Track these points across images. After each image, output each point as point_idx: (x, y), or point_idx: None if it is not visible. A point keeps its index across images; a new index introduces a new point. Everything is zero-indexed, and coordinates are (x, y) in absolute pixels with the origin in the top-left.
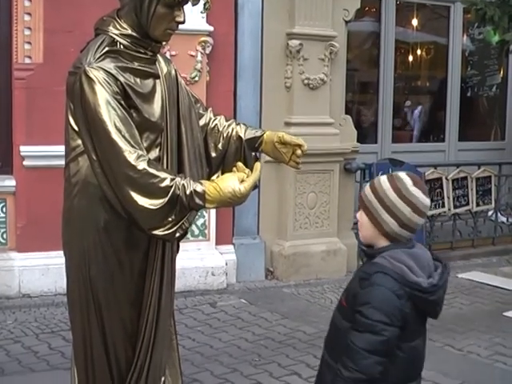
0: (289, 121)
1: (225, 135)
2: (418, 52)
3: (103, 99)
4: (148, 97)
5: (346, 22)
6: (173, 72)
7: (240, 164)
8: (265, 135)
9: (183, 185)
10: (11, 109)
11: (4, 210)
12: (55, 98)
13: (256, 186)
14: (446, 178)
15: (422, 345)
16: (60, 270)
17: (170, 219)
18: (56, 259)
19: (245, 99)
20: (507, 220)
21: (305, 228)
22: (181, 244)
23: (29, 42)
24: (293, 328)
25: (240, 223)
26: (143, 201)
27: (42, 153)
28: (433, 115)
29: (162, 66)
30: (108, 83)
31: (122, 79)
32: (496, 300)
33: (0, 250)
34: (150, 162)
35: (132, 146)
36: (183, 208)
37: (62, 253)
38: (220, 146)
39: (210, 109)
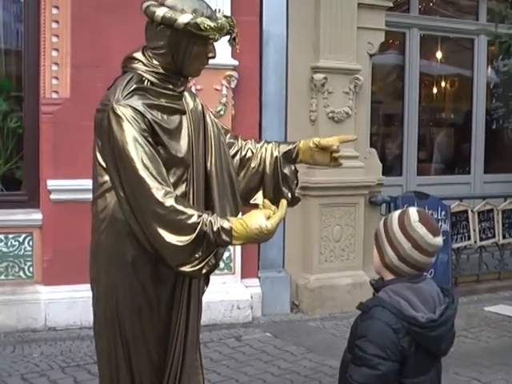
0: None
1: (259, 157)
2: (443, 84)
3: (131, 136)
4: (175, 133)
5: (371, 56)
6: (199, 107)
7: (266, 201)
8: (300, 145)
9: (210, 221)
10: (38, 143)
11: (30, 243)
12: (82, 132)
13: None
14: (472, 211)
15: (429, 382)
16: (86, 304)
17: (197, 255)
18: (82, 292)
19: (270, 132)
20: None
21: (330, 261)
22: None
23: (56, 78)
24: (318, 362)
25: (265, 256)
26: (170, 237)
27: (68, 187)
28: (458, 147)
29: (188, 101)
30: (136, 120)
31: (149, 116)
32: None
33: (27, 283)
34: (177, 199)
35: (159, 183)
36: (210, 244)
37: (87, 286)
38: (256, 168)
39: (240, 136)
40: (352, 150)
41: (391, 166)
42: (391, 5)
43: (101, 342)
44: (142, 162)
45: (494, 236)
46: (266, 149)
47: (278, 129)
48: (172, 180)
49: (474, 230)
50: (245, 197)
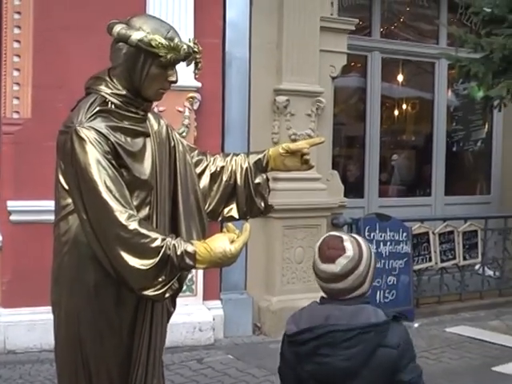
0: (276, 176)
1: (230, 169)
2: (404, 107)
3: (94, 159)
4: (138, 155)
5: (333, 78)
6: (164, 128)
7: (230, 224)
8: (269, 152)
9: (174, 245)
10: None
11: None
12: (43, 153)
13: None
14: (433, 233)
15: None
16: (46, 326)
17: (160, 279)
18: (42, 315)
19: None
20: (494, 274)
21: (292, 283)
22: None
23: (17, 97)
24: None
25: (227, 278)
26: (134, 261)
27: (29, 208)
28: (419, 169)
29: (153, 124)
30: (99, 143)
31: (112, 139)
32: (485, 355)
33: None
34: (140, 222)
35: (123, 206)
36: (174, 268)
37: (47, 308)
38: (228, 181)
39: (208, 151)
40: (314, 172)
41: (353, 187)
42: (353, 28)
43: (62, 365)
44: (105, 184)
45: (454, 258)
46: (235, 161)
47: (240, 150)
48: (135, 203)
49: (435, 252)
50: (219, 211)
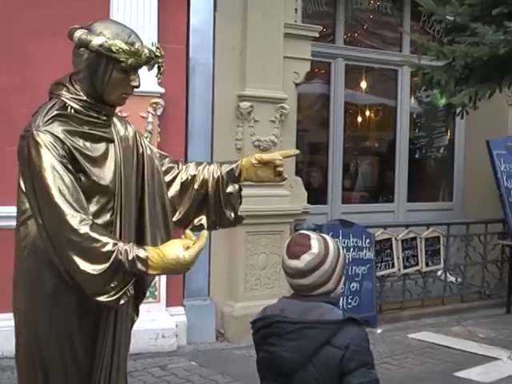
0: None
1: (201, 178)
2: (367, 114)
3: (48, 163)
4: (99, 160)
5: (297, 85)
6: (131, 134)
7: (188, 231)
8: (242, 162)
9: (126, 250)
10: None
11: None
12: (6, 158)
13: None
14: (396, 239)
15: None
16: (7, 333)
17: (112, 285)
18: (3, 322)
19: (196, 160)
20: (456, 280)
21: (256, 289)
22: None
23: None
24: None
25: (190, 284)
26: (85, 265)
27: None
28: (382, 176)
29: (119, 129)
30: (54, 147)
31: (69, 143)
32: (447, 360)
33: None
34: (93, 227)
35: (75, 210)
36: (126, 274)
37: (8, 315)
38: (198, 189)
39: (181, 160)
40: None
41: (316, 194)
42: (317, 35)
43: (22, 372)
44: (59, 188)
45: (417, 264)
46: (208, 170)
47: (203, 156)
48: (95, 208)
49: (398, 258)
50: (188, 219)
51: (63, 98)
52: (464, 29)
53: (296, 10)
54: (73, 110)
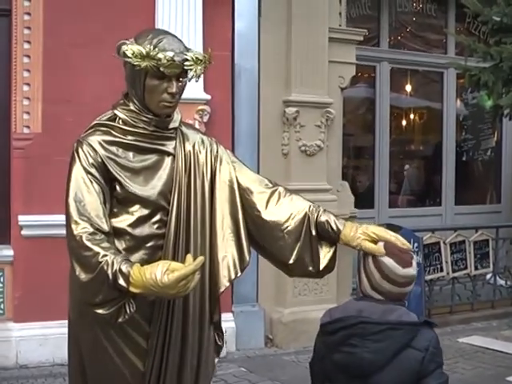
0: (287, 188)
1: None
2: (412, 117)
3: (75, 169)
4: (141, 171)
5: (342, 89)
6: (204, 152)
7: (189, 256)
8: (341, 238)
9: (112, 262)
10: (9, 178)
11: (1, 279)
12: (53, 167)
13: None
14: (444, 243)
15: None
16: (57, 341)
17: (100, 296)
18: (53, 329)
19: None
20: (506, 283)
21: (304, 295)
22: None
23: (27, 112)
24: None
25: (239, 291)
26: (79, 271)
27: (40, 222)
28: (428, 179)
29: (186, 145)
30: (85, 155)
31: (102, 152)
32: (498, 365)
33: None
34: (91, 235)
35: (80, 217)
36: (110, 287)
37: (59, 322)
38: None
39: (282, 189)
40: (325, 183)
41: (363, 198)
42: (361, 39)
43: (71, 380)
44: (75, 194)
45: (466, 267)
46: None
47: (249, 162)
48: (133, 218)
49: (447, 262)
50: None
51: (115, 110)
52: (511, 29)
53: (340, 13)
54: (121, 121)
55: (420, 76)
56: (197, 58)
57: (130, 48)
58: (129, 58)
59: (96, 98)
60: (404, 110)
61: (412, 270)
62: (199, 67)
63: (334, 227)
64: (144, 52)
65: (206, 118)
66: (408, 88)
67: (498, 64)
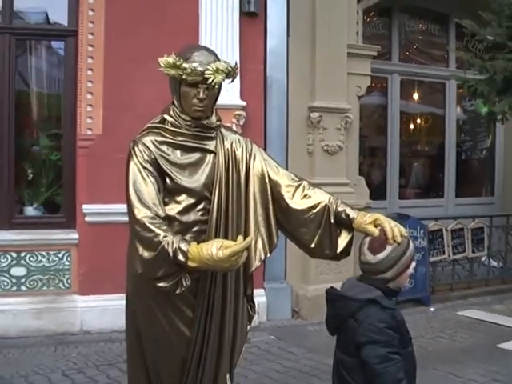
0: (311, 181)
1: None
2: (419, 121)
3: (133, 165)
4: (187, 167)
5: (359, 97)
6: (240, 150)
7: (239, 237)
8: (354, 225)
9: (172, 241)
10: (75, 173)
11: (69, 259)
12: (112, 163)
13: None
14: (446, 229)
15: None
16: (115, 311)
17: (162, 271)
18: (112, 301)
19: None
20: (498, 264)
21: (326, 273)
22: None
23: (90, 117)
24: (317, 361)
25: (270, 270)
26: (142, 251)
27: (100, 210)
28: (433, 175)
29: (226, 144)
30: (141, 152)
31: (154, 150)
32: (491, 334)
33: (65, 293)
34: (152, 219)
35: (141, 203)
36: (170, 263)
37: (117, 296)
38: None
39: (305, 183)
40: (344, 178)
41: (377, 191)
42: (376, 54)
43: (128, 344)
44: (134, 185)
45: (464, 251)
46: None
47: (279, 160)
48: (181, 206)
49: (448, 246)
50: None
51: (164, 115)
52: (503, 47)
53: (357, 32)
54: (169, 124)
55: (426, 86)
56: (217, 68)
57: (164, 59)
58: (161, 67)
59: (147, 104)
60: (412, 115)
61: (369, 257)
62: (220, 76)
63: (350, 216)
64: (171, 62)
65: (242, 122)
66: (415, 96)
67: (492, 76)
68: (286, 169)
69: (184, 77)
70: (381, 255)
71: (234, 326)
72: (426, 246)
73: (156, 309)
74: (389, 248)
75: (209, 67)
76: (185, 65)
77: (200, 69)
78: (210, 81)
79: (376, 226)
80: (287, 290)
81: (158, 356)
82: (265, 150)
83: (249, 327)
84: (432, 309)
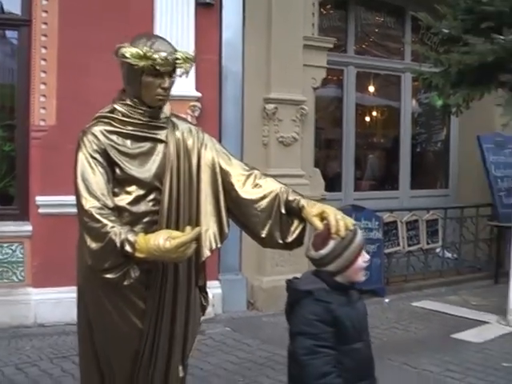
0: (266, 172)
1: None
2: (375, 114)
3: (81, 155)
4: (138, 157)
5: (314, 89)
6: (191, 139)
7: (188, 227)
8: (303, 214)
9: (120, 232)
10: (28, 164)
11: (22, 251)
12: (65, 154)
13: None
14: (401, 221)
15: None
16: (69, 303)
17: (110, 262)
18: (66, 294)
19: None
20: (452, 256)
21: (281, 265)
22: None
23: (44, 108)
24: (272, 352)
25: (225, 261)
26: (90, 242)
27: (54, 202)
28: (388, 167)
29: (176, 133)
30: (90, 143)
31: (104, 140)
32: (445, 324)
33: (19, 286)
34: (101, 210)
35: (89, 194)
36: (118, 254)
37: (70, 288)
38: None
39: (256, 174)
40: (299, 170)
41: (332, 183)
42: (331, 46)
43: (80, 335)
44: (82, 175)
45: (419, 242)
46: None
47: (235, 151)
48: (131, 197)
49: (403, 238)
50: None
51: (114, 104)
52: (457, 40)
53: (313, 24)
54: (119, 113)
55: (381, 79)
56: (186, 57)
57: (129, 50)
58: (128, 58)
59: (102, 95)
60: (368, 107)
61: (313, 253)
62: (188, 65)
63: (300, 205)
64: (142, 53)
65: (197, 113)
66: (371, 89)
67: (447, 69)
68: (241, 160)
69: (158, 67)
70: (323, 251)
71: (186, 317)
72: (381, 238)
73: (106, 300)
74: (331, 243)
75: (177, 56)
76: (155, 55)
77: (170, 58)
78: (181, 70)
79: (323, 219)
80: (242, 282)
81: (110, 348)
82: (220, 141)
83: (202, 318)
84: (387, 300)
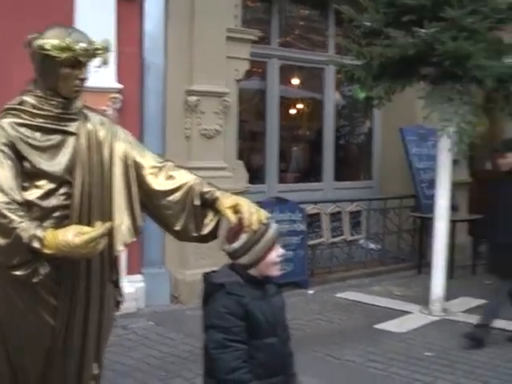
0: (188, 166)
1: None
2: (299, 106)
3: None
4: (48, 150)
5: (237, 81)
6: (103, 131)
7: (98, 222)
8: (216, 206)
9: (28, 228)
10: None
11: None
12: None
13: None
14: (325, 213)
15: None
16: None
17: (18, 259)
18: None
19: (150, 148)
20: (376, 247)
21: (203, 259)
22: None
23: None
24: (195, 346)
25: (147, 255)
26: None
27: None
28: (312, 159)
29: (87, 125)
30: None
31: (12, 133)
32: (368, 315)
33: None
34: (8, 204)
35: None
36: (26, 250)
37: None
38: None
39: (169, 165)
40: (222, 162)
41: (256, 175)
42: (255, 38)
43: None
44: None
45: (342, 234)
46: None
47: (157, 145)
48: (41, 191)
49: (327, 229)
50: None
51: (23, 95)
52: (379, 33)
53: (236, 16)
54: (29, 105)
55: (305, 71)
56: (105, 46)
57: (49, 42)
58: (48, 50)
59: (22, 87)
60: (292, 100)
61: (225, 246)
62: (108, 54)
63: (214, 197)
64: (64, 44)
65: (118, 105)
66: (295, 81)
67: (369, 62)
68: (164, 153)
69: (79, 58)
70: (235, 244)
71: (100, 313)
72: (305, 230)
73: (16, 297)
74: (243, 237)
75: (97, 46)
76: (76, 46)
77: (90, 48)
78: (101, 60)
79: (237, 212)
80: (165, 275)
81: (21, 344)
82: (141, 134)
83: (124, 312)
84: (311, 291)
